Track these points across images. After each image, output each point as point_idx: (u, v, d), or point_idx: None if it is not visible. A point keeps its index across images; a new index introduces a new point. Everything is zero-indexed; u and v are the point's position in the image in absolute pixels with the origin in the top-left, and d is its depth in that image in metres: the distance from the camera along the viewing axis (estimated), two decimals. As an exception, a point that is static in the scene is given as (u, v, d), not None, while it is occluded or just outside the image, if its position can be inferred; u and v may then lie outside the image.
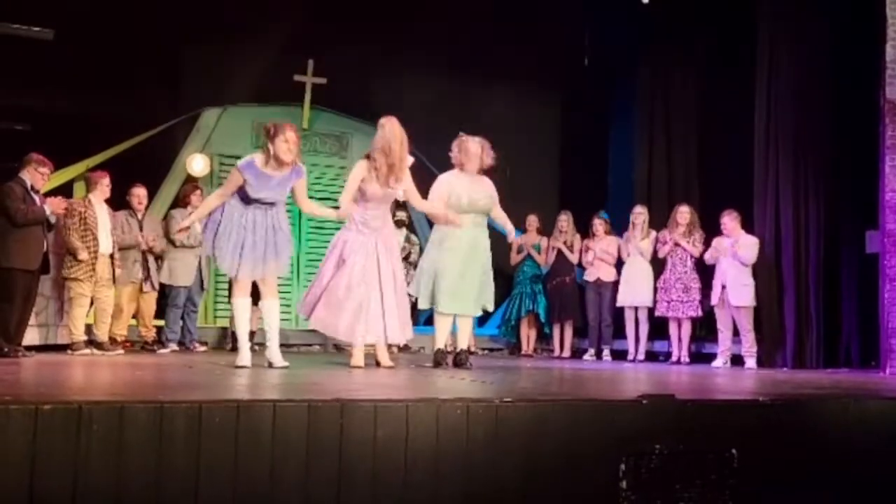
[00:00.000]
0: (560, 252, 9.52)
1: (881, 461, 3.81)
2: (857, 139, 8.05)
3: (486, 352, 10.07)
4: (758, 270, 8.12)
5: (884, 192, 7.37)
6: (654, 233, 8.90)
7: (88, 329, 7.37)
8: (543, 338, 9.97)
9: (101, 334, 7.31)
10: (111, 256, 7.38)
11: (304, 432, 2.91)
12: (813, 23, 8.32)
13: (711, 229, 8.47)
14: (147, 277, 8.13)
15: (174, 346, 8.25)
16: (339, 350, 9.62)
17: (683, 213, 8.55)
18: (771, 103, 8.36)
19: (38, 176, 6.60)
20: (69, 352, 7.05)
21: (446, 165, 6.50)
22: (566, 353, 9.53)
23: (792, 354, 8.03)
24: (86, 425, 2.68)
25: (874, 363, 7.68)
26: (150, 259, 8.19)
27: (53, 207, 6.62)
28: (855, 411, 3.91)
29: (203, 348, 8.56)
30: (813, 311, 8.08)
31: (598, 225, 9.30)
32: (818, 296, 8.11)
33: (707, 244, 8.45)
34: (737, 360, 8.11)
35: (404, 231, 9.72)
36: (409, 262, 9.64)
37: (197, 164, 9.84)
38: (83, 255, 7.06)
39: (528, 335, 9.74)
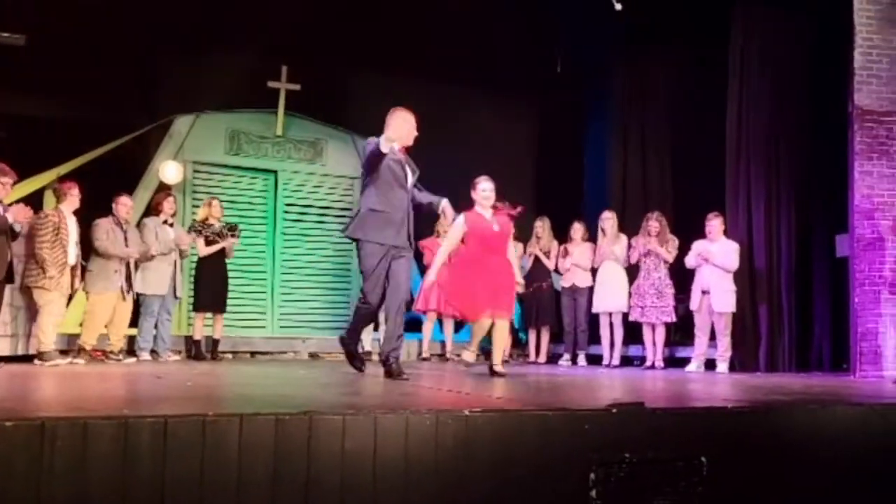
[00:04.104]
0: (537, 258, 9.53)
1: (849, 467, 3.84)
2: (828, 144, 8.14)
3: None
4: (733, 275, 8.18)
5: (853, 197, 7.46)
6: (624, 238, 8.94)
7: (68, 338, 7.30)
8: (519, 343, 9.97)
9: (48, 343, 7.16)
10: (73, 268, 7.34)
11: (271, 446, 2.88)
12: (785, 30, 8.42)
13: (685, 234, 8.52)
14: (130, 288, 8.04)
15: (147, 356, 8.18)
16: (313, 357, 9.59)
17: (655, 219, 8.60)
18: (742, 110, 8.45)
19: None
20: (37, 362, 6.97)
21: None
22: (542, 358, 9.54)
23: (765, 358, 8.11)
24: (49, 441, 2.64)
25: (845, 366, 7.77)
26: (131, 267, 8.10)
27: (17, 216, 6.54)
28: (823, 418, 3.93)
29: (176, 357, 8.49)
30: (785, 315, 8.17)
31: (575, 231, 9.33)
32: (790, 300, 8.20)
33: (682, 249, 8.50)
34: (710, 364, 8.16)
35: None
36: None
37: (170, 171, 9.77)
38: (52, 270, 7.02)
39: (503, 341, 9.72)
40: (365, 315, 5.88)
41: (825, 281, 8.35)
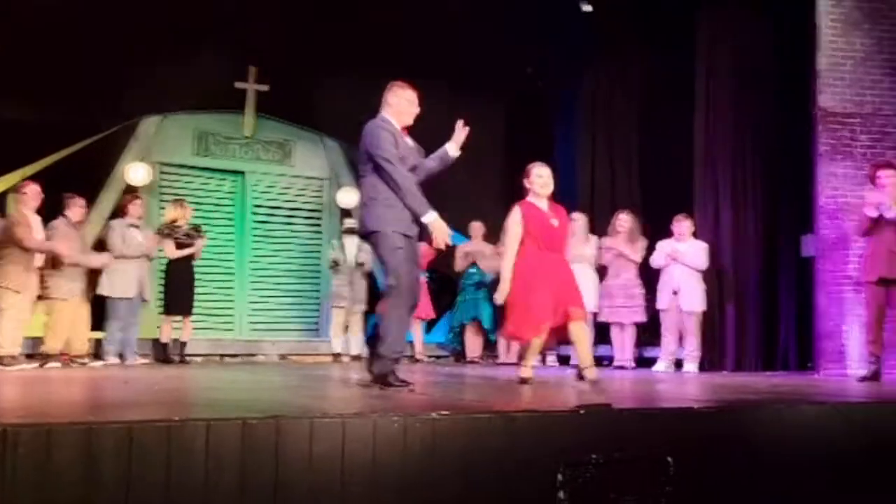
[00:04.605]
0: (507, 258, 9.55)
1: (813, 466, 3.89)
2: (794, 146, 8.24)
3: (432, 359, 10.08)
4: (701, 275, 8.25)
5: (818, 198, 7.57)
6: (594, 238, 8.99)
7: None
8: (489, 344, 10.00)
9: (8, 346, 7.07)
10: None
11: (238, 451, 2.86)
12: (749, 33, 8.51)
13: (654, 235, 8.58)
14: (93, 290, 7.96)
15: (114, 359, 8.09)
16: (282, 360, 9.56)
17: (623, 220, 8.64)
18: (709, 112, 8.53)
19: None
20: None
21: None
22: (512, 358, 9.55)
23: (732, 358, 8.19)
24: (11, 449, 2.61)
25: (811, 365, 7.88)
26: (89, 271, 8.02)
27: None
28: (788, 417, 3.98)
29: (143, 361, 8.40)
30: (752, 314, 8.26)
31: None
32: (757, 299, 8.29)
33: (650, 249, 8.55)
34: (679, 364, 8.23)
35: (356, 239, 9.68)
36: (365, 270, 9.62)
37: (137, 173, 9.68)
38: (14, 271, 6.94)
39: (473, 342, 9.76)
40: (403, 317, 4.86)
41: (791, 281, 8.45)
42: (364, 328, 9.75)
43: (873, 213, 6.61)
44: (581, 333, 5.51)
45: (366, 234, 4.90)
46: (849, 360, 7.40)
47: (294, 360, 9.53)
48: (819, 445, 3.95)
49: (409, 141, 5.01)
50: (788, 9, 8.25)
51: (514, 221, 5.44)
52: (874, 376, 6.57)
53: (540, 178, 5.50)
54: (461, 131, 5.09)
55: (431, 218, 4.75)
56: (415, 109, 5.06)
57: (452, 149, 5.10)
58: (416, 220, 4.80)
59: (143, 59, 9.71)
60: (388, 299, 4.82)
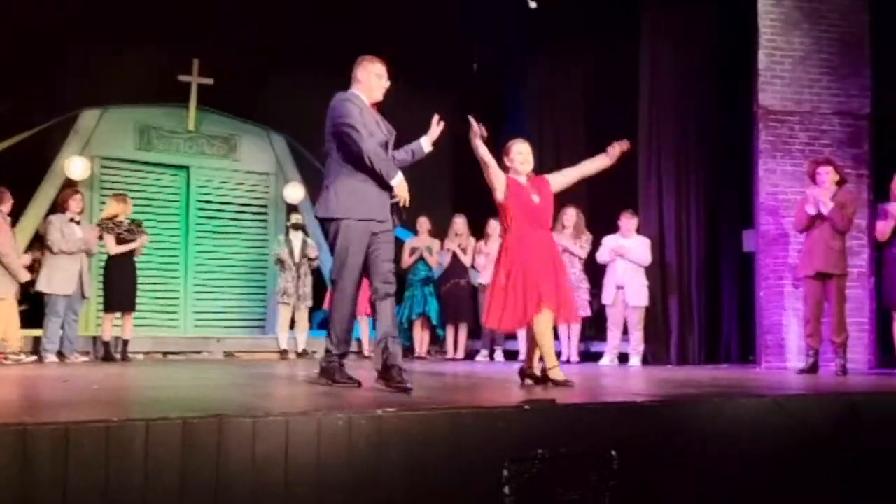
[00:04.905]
0: (455, 254, 9.57)
1: (753, 457, 3.96)
2: (735, 143, 8.38)
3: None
4: (645, 270, 8.36)
5: (758, 194, 7.71)
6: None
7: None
8: (437, 340, 10.00)
9: None
10: None
11: (178, 452, 2.82)
12: (693, 30, 8.62)
13: (599, 230, 8.65)
14: (24, 288, 7.77)
15: (53, 357, 7.91)
16: (227, 357, 9.44)
17: (570, 215, 8.70)
18: (653, 108, 8.63)
19: None
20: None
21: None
22: (460, 354, 9.58)
23: (676, 351, 8.32)
24: (-59, 452, 2.54)
25: (752, 358, 8.04)
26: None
27: None
28: (728, 410, 4.05)
29: (84, 358, 8.24)
30: (695, 309, 8.39)
31: (492, 228, 9.38)
32: (700, 294, 8.42)
33: (595, 245, 8.63)
34: (623, 358, 8.33)
35: (301, 234, 9.61)
36: (313, 266, 9.54)
37: (76, 167, 9.46)
38: None
39: (421, 338, 9.75)
40: (344, 309, 4.65)
41: (733, 275, 8.60)
42: (310, 324, 9.69)
43: (812, 210, 6.76)
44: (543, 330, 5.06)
45: (321, 219, 4.69)
46: (788, 353, 7.57)
47: (240, 357, 9.42)
48: (758, 438, 4.02)
49: (378, 118, 4.82)
50: (730, 8, 8.37)
51: (500, 175, 5.20)
52: (812, 369, 6.73)
53: (520, 155, 5.29)
54: (436, 127, 4.98)
55: (398, 180, 4.63)
56: (384, 83, 4.87)
57: (426, 144, 4.97)
58: (386, 193, 4.61)
59: (82, 50, 9.50)
60: (333, 292, 4.68)
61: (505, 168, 5.29)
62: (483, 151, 5.13)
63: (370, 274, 4.65)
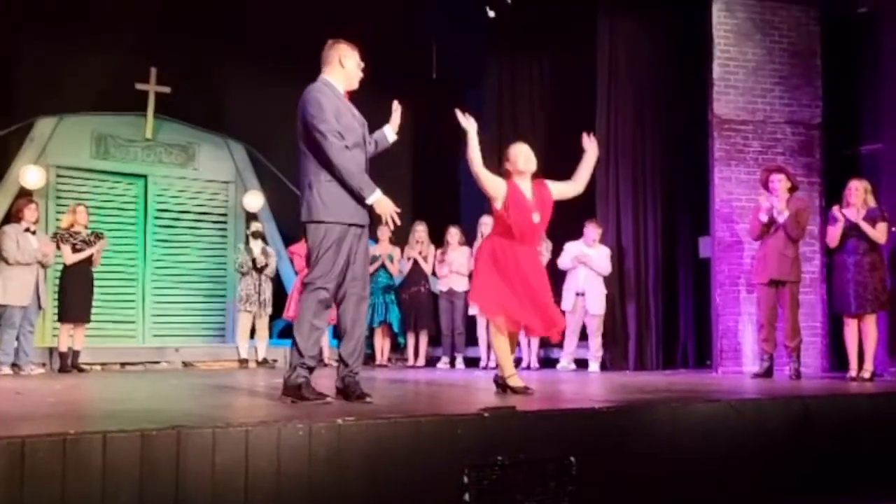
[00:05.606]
0: (415, 262, 9.59)
1: (709, 461, 4.04)
2: (691, 151, 8.51)
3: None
4: (603, 277, 8.45)
5: (714, 202, 7.85)
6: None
7: None
8: (398, 347, 10.00)
9: None
10: None
11: (136, 464, 2.81)
12: (647, 40, 8.75)
13: (558, 237, 8.71)
14: None
15: (7, 370, 7.78)
16: (186, 367, 9.35)
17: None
18: (610, 116, 8.73)
19: None
20: None
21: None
22: (421, 361, 9.59)
23: (634, 357, 8.41)
24: None
25: (708, 363, 8.16)
26: None
27: None
28: (685, 415, 4.12)
29: (41, 371, 8.11)
30: (653, 315, 8.50)
31: (451, 235, 9.43)
32: (657, 300, 8.53)
33: (554, 252, 8.70)
34: (582, 363, 8.40)
35: (260, 242, 9.56)
36: (267, 274, 9.48)
37: (31, 176, 9.31)
38: None
39: (381, 345, 9.75)
40: (318, 317, 4.35)
41: (689, 281, 8.73)
42: (270, 333, 9.64)
43: (765, 218, 6.90)
44: (513, 341, 5.05)
45: (305, 223, 4.37)
46: (744, 358, 7.71)
47: (199, 366, 9.33)
48: (715, 441, 4.10)
49: (353, 110, 4.52)
50: (685, 18, 8.52)
51: (498, 185, 5.02)
52: (767, 373, 6.86)
53: (521, 155, 5.06)
54: (396, 112, 4.78)
55: (376, 198, 4.35)
56: (360, 73, 4.63)
57: (390, 133, 4.76)
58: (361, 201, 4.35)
59: (38, 57, 9.37)
60: (304, 298, 4.36)
61: (507, 173, 5.10)
62: (474, 154, 4.98)
63: (347, 278, 4.41)
